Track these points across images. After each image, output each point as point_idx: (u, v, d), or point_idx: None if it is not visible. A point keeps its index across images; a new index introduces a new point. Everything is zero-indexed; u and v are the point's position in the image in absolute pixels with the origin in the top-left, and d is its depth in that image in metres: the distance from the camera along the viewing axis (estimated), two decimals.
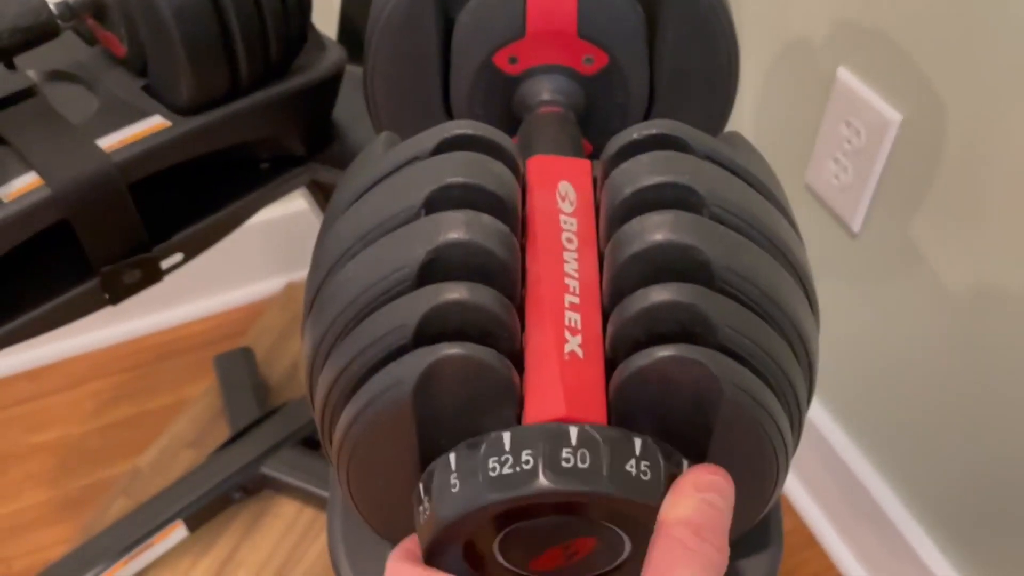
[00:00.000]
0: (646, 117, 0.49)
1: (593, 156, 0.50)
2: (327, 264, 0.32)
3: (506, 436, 0.28)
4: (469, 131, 0.31)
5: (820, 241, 0.81)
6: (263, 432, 0.96)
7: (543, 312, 0.30)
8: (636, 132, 0.31)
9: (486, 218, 0.29)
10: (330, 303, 0.30)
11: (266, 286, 1.16)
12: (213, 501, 0.91)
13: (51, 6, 0.54)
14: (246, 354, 1.05)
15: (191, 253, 0.62)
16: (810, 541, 0.94)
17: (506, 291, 0.29)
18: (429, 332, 0.28)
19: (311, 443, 0.97)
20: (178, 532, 0.90)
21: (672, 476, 0.27)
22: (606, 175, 0.32)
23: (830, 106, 0.74)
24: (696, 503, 0.26)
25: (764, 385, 0.29)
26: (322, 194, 0.73)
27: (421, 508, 0.29)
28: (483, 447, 0.28)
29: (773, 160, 0.89)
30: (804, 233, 0.88)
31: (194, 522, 0.91)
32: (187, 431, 1.02)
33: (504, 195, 0.30)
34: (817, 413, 0.90)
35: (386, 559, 0.37)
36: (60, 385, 1.07)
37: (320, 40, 0.65)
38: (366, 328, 0.29)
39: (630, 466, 0.27)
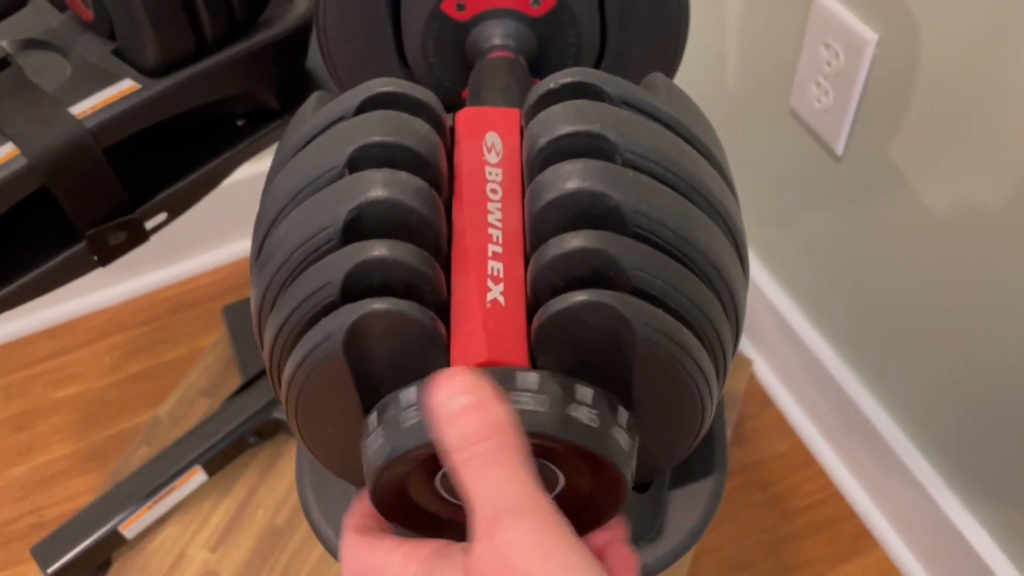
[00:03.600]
0: (600, 56, 0.49)
1: None
2: (266, 223, 0.33)
3: (411, 391, 0.29)
4: (390, 88, 0.32)
5: (805, 164, 0.81)
6: None
7: (467, 263, 0.31)
8: (552, 82, 0.32)
9: (403, 175, 0.30)
10: (268, 261, 0.32)
11: None
12: (229, 446, 0.95)
13: None
14: None
15: (175, 212, 0.63)
16: (808, 460, 0.96)
17: (429, 245, 0.30)
18: (356, 288, 0.30)
19: None
20: (198, 477, 0.94)
21: (586, 405, 0.29)
22: (527, 125, 0.32)
23: (809, 28, 0.73)
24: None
25: (679, 324, 0.30)
26: None
27: (364, 459, 0.31)
28: (396, 401, 0.29)
29: (758, 87, 0.89)
30: (790, 157, 0.88)
31: (212, 466, 0.95)
32: (202, 380, 1.05)
33: (425, 151, 0.31)
34: (809, 334, 0.91)
35: (351, 498, 0.39)
36: (79, 341, 1.11)
37: None
38: (299, 285, 0.31)
39: (539, 403, 0.28)
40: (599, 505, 0.32)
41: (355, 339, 0.29)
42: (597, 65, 0.50)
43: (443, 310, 0.31)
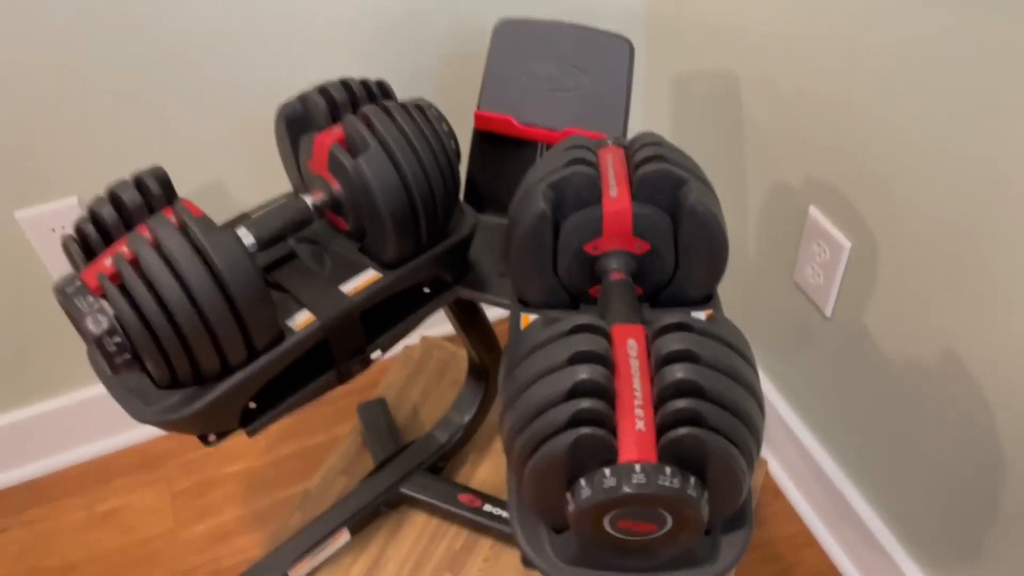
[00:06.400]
0: (674, 272, 0.82)
1: (643, 297, 0.83)
2: (516, 388, 0.65)
3: (608, 470, 0.61)
4: (588, 321, 0.64)
5: (803, 321, 1.13)
6: (400, 462, 1.29)
7: (624, 409, 0.63)
8: (668, 319, 0.64)
9: (599, 368, 0.62)
10: (520, 406, 0.64)
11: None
12: (367, 514, 1.25)
13: (310, 207, 0.89)
14: (382, 403, 1.39)
15: (385, 349, 0.96)
16: (811, 540, 1.25)
17: (609, 400, 0.62)
18: (574, 421, 0.61)
19: (435, 469, 1.30)
20: (343, 537, 1.24)
21: (685, 482, 0.60)
22: (653, 340, 0.65)
23: (805, 231, 1.06)
24: None
25: (733, 446, 0.61)
26: (457, 308, 1.07)
27: (570, 506, 0.62)
28: (596, 475, 0.61)
29: (771, 267, 1.23)
30: (792, 316, 1.22)
31: (354, 529, 1.25)
32: (340, 462, 1.36)
33: (607, 355, 0.63)
34: (810, 441, 1.22)
35: (545, 539, 0.70)
36: None
37: (461, 207, 0.99)
38: (542, 420, 0.62)
39: (663, 480, 0.60)
40: (688, 535, 0.63)
41: (571, 450, 0.61)
42: (672, 275, 0.82)
43: (613, 432, 0.62)
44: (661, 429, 0.62)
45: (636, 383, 0.64)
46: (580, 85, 1.00)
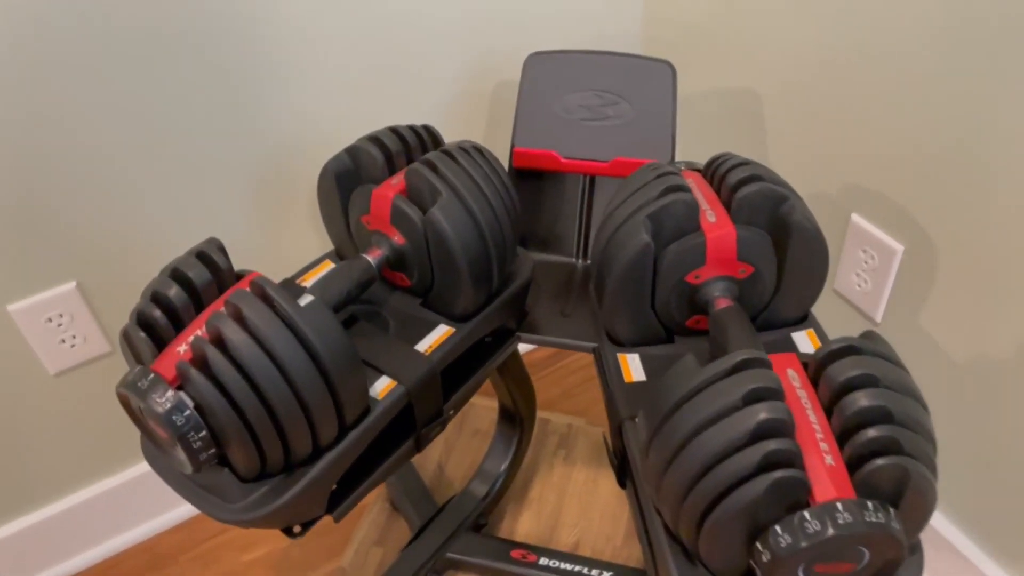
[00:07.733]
0: (775, 293, 0.79)
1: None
2: (682, 440, 0.60)
3: (807, 513, 0.56)
4: (750, 356, 0.61)
5: (850, 329, 1.12)
6: (440, 524, 1.22)
7: (808, 446, 0.59)
8: (835, 345, 0.61)
9: (780, 404, 0.58)
10: (691, 459, 0.59)
11: None
12: None
13: (372, 265, 0.82)
14: (409, 465, 1.31)
15: (457, 408, 0.89)
16: None
17: (793, 436, 0.58)
18: (763, 465, 0.57)
19: (476, 527, 1.23)
20: None
21: (887, 515, 0.56)
22: (820, 367, 0.61)
23: (848, 239, 1.06)
24: None
25: (925, 467, 0.58)
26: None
27: (763, 557, 0.57)
28: (794, 520, 0.56)
29: None
30: (837, 325, 1.20)
31: None
32: (371, 533, 1.27)
33: (781, 389, 0.59)
34: None
35: None
36: None
37: (516, 251, 0.94)
38: (724, 467, 0.58)
39: (869, 516, 0.56)
40: (887, 569, 0.59)
41: (765, 496, 0.57)
42: (773, 296, 0.79)
43: (803, 469, 0.58)
44: (852, 461, 0.58)
45: (811, 416, 0.61)
46: (621, 113, 0.97)
